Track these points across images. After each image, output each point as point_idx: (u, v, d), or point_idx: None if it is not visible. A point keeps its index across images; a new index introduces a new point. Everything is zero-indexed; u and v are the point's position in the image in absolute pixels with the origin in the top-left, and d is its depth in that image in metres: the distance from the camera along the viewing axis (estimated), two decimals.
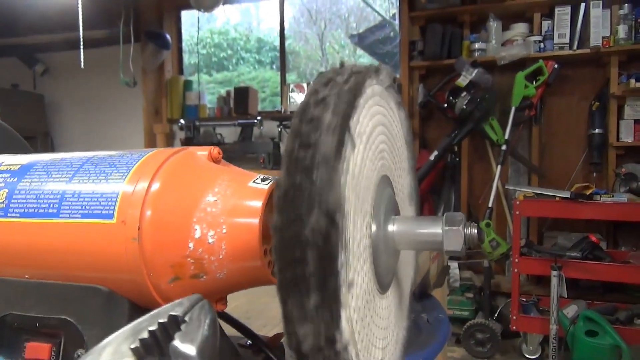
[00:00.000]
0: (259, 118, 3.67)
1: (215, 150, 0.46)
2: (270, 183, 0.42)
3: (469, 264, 3.28)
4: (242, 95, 3.83)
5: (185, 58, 4.46)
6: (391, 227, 0.39)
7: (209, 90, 4.58)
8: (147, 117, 4.03)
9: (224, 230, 0.40)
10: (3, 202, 0.45)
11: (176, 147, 0.47)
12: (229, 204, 0.41)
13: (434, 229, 0.39)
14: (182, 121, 3.84)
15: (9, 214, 0.45)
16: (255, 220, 0.41)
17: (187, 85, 4.14)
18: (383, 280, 0.39)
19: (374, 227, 0.37)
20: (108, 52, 3.85)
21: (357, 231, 0.33)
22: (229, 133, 3.89)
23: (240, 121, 3.73)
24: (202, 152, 0.46)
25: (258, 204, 0.41)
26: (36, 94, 4.37)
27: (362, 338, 0.33)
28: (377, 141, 0.39)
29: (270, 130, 3.77)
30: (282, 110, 3.87)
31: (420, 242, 0.40)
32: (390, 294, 0.42)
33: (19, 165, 0.48)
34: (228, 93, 4.04)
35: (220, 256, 0.40)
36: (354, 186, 0.33)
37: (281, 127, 3.69)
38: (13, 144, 0.67)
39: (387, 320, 0.41)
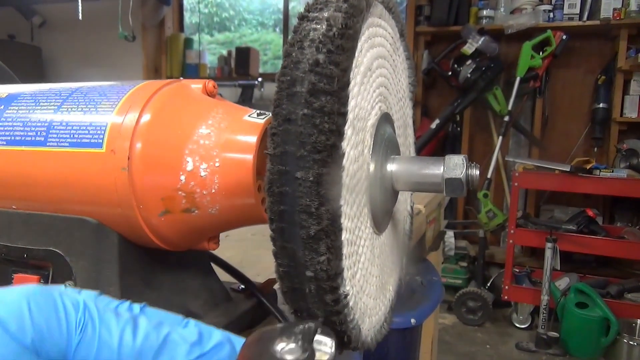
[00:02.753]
0: (259, 79, 3.62)
1: (210, 83, 0.44)
2: (267, 117, 0.41)
3: (465, 234, 3.30)
4: (244, 55, 3.76)
5: (187, 17, 4.36)
6: (390, 167, 0.38)
7: (210, 51, 4.50)
8: (147, 74, 3.97)
9: (217, 164, 0.39)
10: None
11: (168, 79, 0.45)
12: (222, 137, 0.40)
13: (434, 170, 0.38)
14: (182, 79, 3.79)
15: None
16: (250, 156, 0.39)
17: (188, 43, 4.07)
18: (379, 220, 0.38)
19: (372, 166, 0.36)
20: (107, 4, 3.75)
21: (356, 166, 0.32)
22: (229, 94, 3.84)
23: (240, 82, 3.68)
24: (196, 85, 0.44)
25: (253, 139, 0.40)
26: (33, 46, 4.29)
27: (354, 273, 0.32)
28: (375, 74, 0.37)
29: (271, 93, 3.69)
30: None
31: (420, 183, 0.38)
32: (385, 237, 0.41)
33: (6, 94, 0.46)
34: (229, 53, 3.97)
35: (213, 190, 0.39)
36: (353, 122, 0.31)
37: None
38: (5, 80, 0.65)
39: (381, 260, 0.40)
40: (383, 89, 0.39)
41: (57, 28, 4.30)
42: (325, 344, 0.27)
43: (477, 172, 0.37)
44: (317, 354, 0.26)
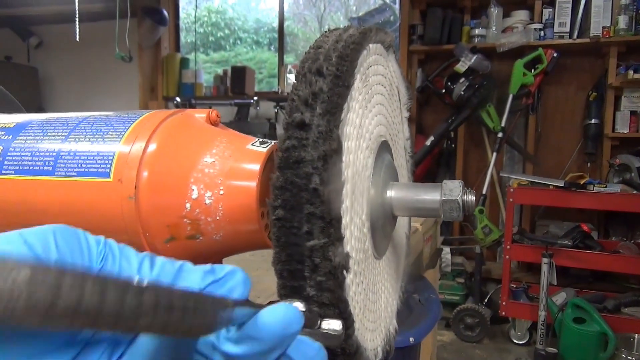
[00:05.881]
0: (255, 98, 3.65)
1: (214, 112, 0.45)
2: (269, 146, 0.42)
3: (461, 250, 3.30)
4: (239, 74, 3.80)
5: (182, 36, 4.41)
6: (389, 193, 0.39)
7: (206, 70, 4.54)
8: (143, 94, 4.00)
9: (222, 192, 0.40)
10: None
11: (173, 109, 0.46)
12: (226, 165, 0.41)
13: (432, 196, 0.39)
14: (177, 99, 3.82)
15: (3, 171, 0.44)
16: (253, 183, 0.40)
17: (184, 63, 4.10)
18: (379, 245, 0.39)
19: (372, 191, 0.37)
20: (104, 26, 3.80)
21: (358, 186, 0.33)
22: (225, 113, 3.87)
23: (236, 101, 3.71)
24: (200, 115, 0.46)
25: (256, 167, 0.41)
26: (30, 67, 4.31)
27: (355, 295, 0.33)
28: (373, 101, 0.39)
29: (267, 112, 3.75)
30: (279, 91, 3.84)
31: (418, 209, 0.39)
32: (384, 261, 0.42)
33: (14, 124, 0.48)
34: (225, 72, 4.01)
35: (217, 217, 0.40)
36: (353, 161, 0.32)
37: (278, 108, 3.67)
38: (8, 106, 0.66)
39: (382, 285, 0.41)
40: (381, 110, 0.40)
41: (54, 49, 4.33)
42: (333, 324, 0.28)
43: (473, 198, 0.38)
44: (327, 328, 0.27)
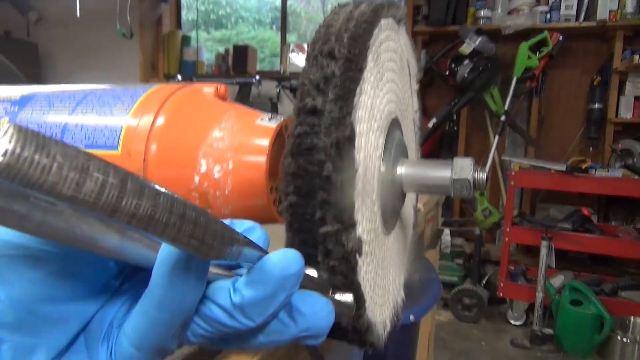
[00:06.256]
0: (257, 77, 3.62)
1: (222, 87, 0.45)
2: (278, 122, 0.42)
3: (461, 232, 3.32)
4: (241, 53, 3.77)
5: (183, 14, 4.36)
6: (399, 170, 0.39)
7: (207, 48, 4.50)
8: (144, 71, 3.97)
9: (230, 166, 0.40)
10: None
11: (181, 83, 0.46)
12: (235, 140, 0.41)
13: (442, 173, 0.39)
14: (179, 77, 3.78)
15: None
16: (262, 158, 0.40)
17: (185, 40, 4.06)
18: (388, 222, 0.39)
19: (383, 169, 0.37)
20: (105, 2, 3.74)
21: (369, 168, 0.33)
22: None
23: (238, 80, 3.68)
24: (208, 89, 0.45)
25: (265, 142, 0.41)
26: (30, 42, 4.27)
27: (366, 274, 0.33)
28: (385, 78, 0.38)
29: (269, 91, 3.73)
30: (282, 71, 3.81)
31: (428, 186, 0.39)
32: (393, 235, 0.42)
33: (20, 96, 0.47)
34: (227, 51, 3.97)
35: (226, 192, 0.40)
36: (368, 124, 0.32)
37: (280, 87, 3.64)
38: (12, 79, 0.65)
39: (390, 260, 0.41)
40: (392, 87, 0.40)
41: (54, 24, 4.28)
42: (346, 296, 0.28)
43: (484, 175, 0.38)
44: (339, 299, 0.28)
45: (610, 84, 3.05)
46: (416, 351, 1.31)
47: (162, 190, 0.16)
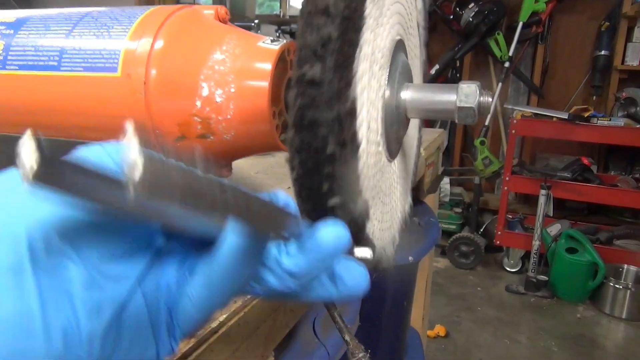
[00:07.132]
0: (256, 21, 3.52)
1: (223, 9, 0.44)
2: (281, 44, 0.41)
3: (460, 180, 3.33)
4: None
5: None
6: (404, 94, 0.38)
7: None
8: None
9: (232, 90, 0.39)
10: (0, 55, 0.43)
11: (179, 5, 0.44)
12: (237, 63, 0.40)
13: (447, 97, 0.38)
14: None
15: (7, 67, 0.43)
16: (265, 83, 0.39)
17: None
18: (391, 147, 0.39)
19: (387, 93, 0.36)
20: None
21: (372, 92, 0.32)
22: None
23: (236, 24, 3.58)
24: (208, 11, 0.44)
25: (268, 65, 0.40)
26: None
27: (370, 189, 0.34)
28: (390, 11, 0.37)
29: (268, 35, 3.64)
30: (281, 15, 3.71)
31: (433, 111, 0.39)
32: (396, 164, 0.42)
33: (14, 18, 0.46)
34: None
35: (228, 116, 0.40)
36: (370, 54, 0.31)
37: (280, 32, 3.56)
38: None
39: (392, 188, 0.41)
40: (399, 14, 0.39)
41: None
42: (364, 252, 0.30)
43: (489, 99, 0.37)
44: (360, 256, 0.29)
45: (619, 30, 2.97)
46: (414, 293, 1.34)
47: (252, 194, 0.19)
